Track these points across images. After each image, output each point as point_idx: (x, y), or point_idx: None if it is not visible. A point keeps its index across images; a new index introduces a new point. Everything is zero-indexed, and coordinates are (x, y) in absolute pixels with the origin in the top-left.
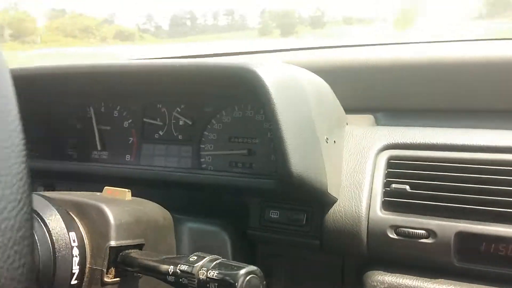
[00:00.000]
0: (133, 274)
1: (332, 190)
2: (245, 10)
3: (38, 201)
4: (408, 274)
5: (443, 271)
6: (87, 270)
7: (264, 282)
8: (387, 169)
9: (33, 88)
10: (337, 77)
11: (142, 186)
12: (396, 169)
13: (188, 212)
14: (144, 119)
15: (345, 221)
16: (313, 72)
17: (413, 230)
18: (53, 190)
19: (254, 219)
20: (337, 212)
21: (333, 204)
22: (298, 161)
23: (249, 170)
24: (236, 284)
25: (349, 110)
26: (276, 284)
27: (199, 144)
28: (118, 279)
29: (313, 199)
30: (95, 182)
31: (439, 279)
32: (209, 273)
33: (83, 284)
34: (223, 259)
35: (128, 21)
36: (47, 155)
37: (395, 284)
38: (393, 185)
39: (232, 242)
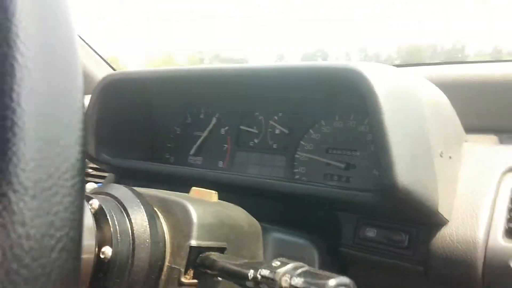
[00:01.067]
0: (212, 278)
1: (443, 210)
2: None
3: (124, 193)
4: None
5: None
6: (165, 268)
7: None
8: None
9: (138, 91)
10: (458, 93)
11: (232, 193)
12: None
13: (276, 223)
14: (241, 127)
15: (457, 246)
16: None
17: None
18: None
19: (347, 236)
20: (447, 235)
21: (443, 227)
22: (405, 172)
23: (346, 184)
24: None
25: (470, 129)
26: None
27: (294, 154)
28: (195, 281)
29: (419, 219)
30: (188, 186)
31: None
32: (293, 281)
33: (160, 281)
34: (310, 267)
35: None
36: (146, 157)
37: None
38: None
39: (320, 258)
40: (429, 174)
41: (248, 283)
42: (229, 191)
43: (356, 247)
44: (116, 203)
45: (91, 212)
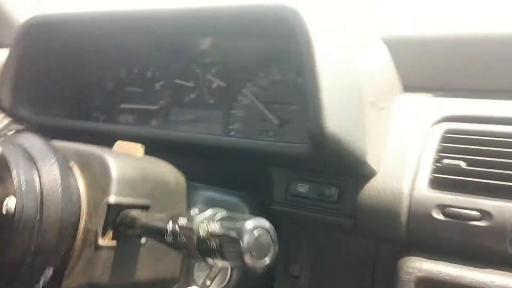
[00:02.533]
0: (134, 239)
1: (371, 160)
2: None
3: (34, 143)
4: (450, 262)
5: (494, 260)
6: (81, 228)
7: (277, 244)
8: (441, 143)
9: (66, 38)
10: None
11: (164, 152)
12: (452, 143)
13: (208, 181)
14: (176, 81)
15: (384, 197)
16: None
17: (463, 211)
18: None
19: (279, 192)
20: (374, 187)
21: (371, 178)
22: (334, 119)
23: (281, 139)
24: (241, 240)
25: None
26: (300, 268)
27: (230, 110)
28: (114, 242)
29: (348, 169)
30: None
31: (488, 269)
32: (210, 227)
33: (74, 245)
34: (230, 212)
35: None
36: (73, 115)
37: (435, 271)
38: (446, 161)
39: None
40: (358, 123)
41: (167, 238)
42: (161, 150)
43: (288, 204)
44: (24, 152)
45: None
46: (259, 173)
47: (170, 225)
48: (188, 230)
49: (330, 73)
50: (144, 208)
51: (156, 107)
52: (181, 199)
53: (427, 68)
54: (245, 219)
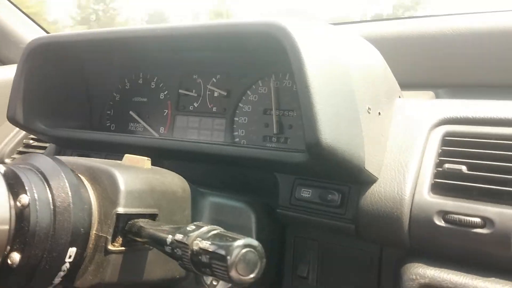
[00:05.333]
0: (142, 246)
1: (370, 167)
2: None
3: (46, 163)
4: (453, 269)
5: (497, 268)
6: (92, 236)
7: (264, 260)
8: (441, 147)
9: (70, 56)
10: (394, 49)
11: (172, 159)
12: (452, 147)
13: (215, 187)
14: (180, 91)
15: (385, 203)
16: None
17: (465, 218)
18: None
19: (284, 197)
20: (376, 193)
21: (373, 185)
22: (329, 130)
23: (284, 145)
24: (229, 257)
25: (407, 86)
26: (308, 269)
27: (233, 117)
28: (123, 248)
29: (348, 177)
30: (129, 153)
31: (492, 277)
32: (202, 244)
33: (87, 250)
34: (223, 230)
35: None
36: (85, 126)
37: (438, 279)
38: (447, 165)
39: (257, 220)
40: (354, 131)
41: (167, 248)
42: (169, 157)
43: (293, 208)
44: (36, 172)
45: (5, 181)
46: (265, 178)
47: (169, 238)
48: (184, 245)
49: (322, 86)
50: (152, 216)
51: (162, 115)
52: (187, 206)
53: (422, 66)
54: (235, 238)
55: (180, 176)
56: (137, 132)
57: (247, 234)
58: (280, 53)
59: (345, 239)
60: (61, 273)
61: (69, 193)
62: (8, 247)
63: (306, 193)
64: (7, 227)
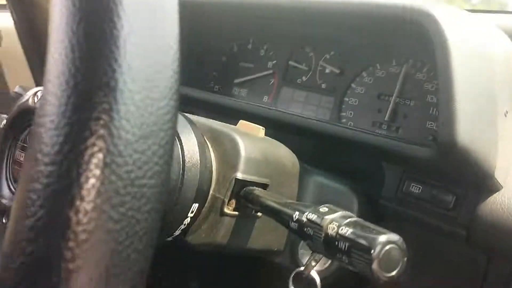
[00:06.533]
0: (253, 212)
1: (498, 175)
2: None
3: (179, 120)
4: None
5: None
6: (209, 196)
7: (405, 260)
8: None
9: (188, 16)
10: None
11: (276, 129)
12: None
13: (318, 165)
14: (290, 62)
15: (507, 215)
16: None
17: None
18: None
19: (390, 188)
20: (497, 202)
21: (495, 193)
22: (466, 130)
23: (394, 134)
24: (373, 251)
25: None
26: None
27: (343, 97)
28: (237, 212)
29: (472, 181)
30: (231, 117)
31: None
32: (341, 230)
33: (203, 208)
34: (360, 219)
35: None
36: (191, 83)
37: None
38: None
39: (359, 206)
40: (490, 135)
41: (293, 224)
42: (273, 127)
43: (398, 201)
44: None
45: None
46: (371, 165)
47: (297, 214)
48: (316, 225)
49: (466, 84)
50: (264, 186)
51: (268, 84)
52: (295, 180)
53: None
54: (378, 231)
55: (290, 150)
56: (241, 98)
57: None
58: (415, 38)
59: (449, 245)
60: (182, 226)
61: (198, 151)
62: None
63: (416, 188)
64: None
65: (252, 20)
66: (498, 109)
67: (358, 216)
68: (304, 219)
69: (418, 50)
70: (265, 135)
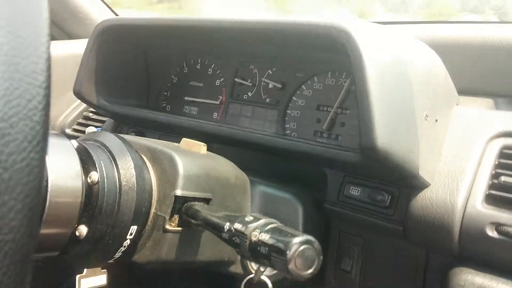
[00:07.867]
0: (196, 227)
1: (424, 174)
2: None
3: (113, 141)
4: (503, 277)
5: None
6: (151, 215)
7: (321, 257)
8: (498, 159)
9: (135, 38)
10: (454, 54)
11: (224, 145)
12: (510, 160)
13: (265, 176)
14: (236, 79)
15: (436, 209)
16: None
17: None
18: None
19: (332, 192)
20: (427, 198)
21: (424, 189)
22: (385, 134)
23: (334, 142)
24: (288, 252)
25: (465, 92)
26: (349, 264)
27: (285, 109)
28: (180, 228)
29: (400, 180)
30: (182, 135)
31: None
32: (261, 236)
33: (146, 227)
34: (280, 224)
35: None
36: (143, 105)
37: (487, 287)
38: (503, 178)
39: (304, 213)
40: (410, 137)
41: (224, 235)
42: (221, 143)
43: (340, 204)
44: (105, 150)
45: (78, 157)
46: (315, 172)
47: (227, 225)
48: (242, 234)
49: (382, 90)
50: (206, 200)
51: (217, 101)
52: (239, 192)
53: (480, 74)
54: (293, 235)
55: (233, 163)
56: (191, 116)
57: (294, 225)
58: (339, 52)
59: (391, 239)
60: (122, 249)
61: (134, 173)
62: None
63: (355, 191)
64: (79, 200)
65: (199, 41)
66: (416, 113)
67: (304, 221)
68: (232, 229)
69: (347, 62)
70: (214, 150)
